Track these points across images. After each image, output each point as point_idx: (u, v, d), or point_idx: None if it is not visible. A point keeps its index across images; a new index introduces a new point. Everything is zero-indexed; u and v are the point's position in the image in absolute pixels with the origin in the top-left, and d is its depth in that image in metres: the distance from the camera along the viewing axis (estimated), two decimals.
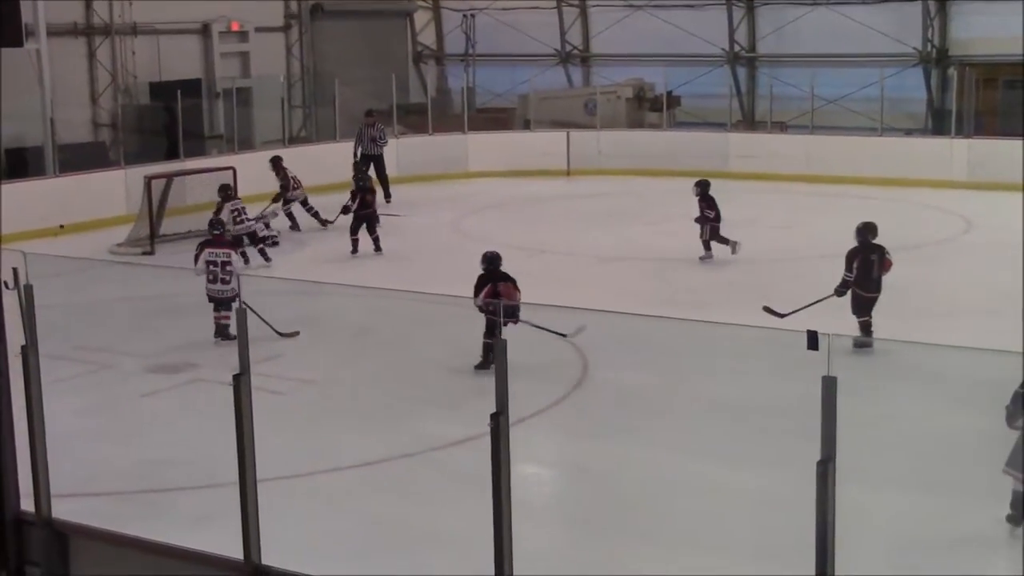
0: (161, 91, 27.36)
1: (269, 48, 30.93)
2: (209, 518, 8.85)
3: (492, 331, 12.04)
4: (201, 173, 21.66)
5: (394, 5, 34.31)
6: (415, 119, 29.26)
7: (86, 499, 8.96)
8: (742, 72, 31.68)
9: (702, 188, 18.25)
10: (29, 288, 7.37)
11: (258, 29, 30.45)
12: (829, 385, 5.37)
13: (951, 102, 27.09)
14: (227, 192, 18.83)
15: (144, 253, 19.73)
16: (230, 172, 21.07)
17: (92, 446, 10.62)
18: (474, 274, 14.00)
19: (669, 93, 29.50)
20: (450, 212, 22.91)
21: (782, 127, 28.42)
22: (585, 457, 10.53)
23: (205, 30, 29.34)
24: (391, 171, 24.92)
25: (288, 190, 21.25)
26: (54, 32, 25.01)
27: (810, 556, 5.71)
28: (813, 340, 5.41)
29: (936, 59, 29.22)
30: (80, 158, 24.04)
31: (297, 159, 23.60)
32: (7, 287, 7.39)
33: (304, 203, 21.40)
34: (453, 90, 34.19)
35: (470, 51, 33.38)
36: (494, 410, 6.25)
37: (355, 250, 18.95)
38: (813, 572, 5.69)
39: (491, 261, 12.87)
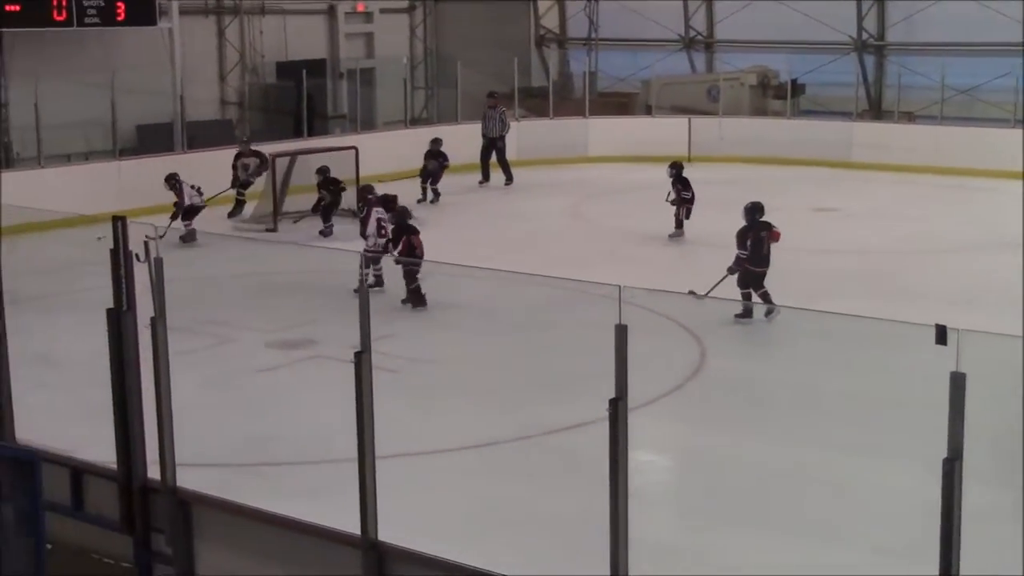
0: (287, 71, 27.73)
1: (393, 29, 31.14)
2: (324, 492, 8.95)
3: (412, 277, 14.45)
4: (324, 152, 21.94)
5: None
6: (536, 103, 29.24)
7: (207, 469, 9.12)
8: (869, 60, 31.03)
9: (676, 170, 18.94)
10: (159, 261, 7.50)
11: (383, 10, 30.69)
12: (958, 382, 5.24)
13: None
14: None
15: (267, 230, 20.03)
16: (352, 152, 21.32)
17: (213, 418, 10.80)
18: (591, 258, 14.02)
19: (794, 81, 29.06)
20: (569, 196, 22.88)
21: (910, 117, 27.81)
22: (701, 446, 10.45)
23: (331, 11, 29.66)
24: (511, 154, 24.97)
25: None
26: (186, 12, 25.52)
27: (927, 552, 5.61)
28: (942, 335, 5.30)
29: None
30: (207, 135, 24.52)
31: (419, 140, 23.78)
32: (138, 260, 7.54)
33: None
34: (575, 74, 34.03)
35: (593, 35, 33.22)
36: (613, 396, 6.23)
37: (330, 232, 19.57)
38: (933, 567, 5.58)
39: (402, 215, 15.36)
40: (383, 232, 15.57)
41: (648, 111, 29.48)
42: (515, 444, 10.40)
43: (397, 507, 7.68)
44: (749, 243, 14.07)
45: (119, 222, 7.73)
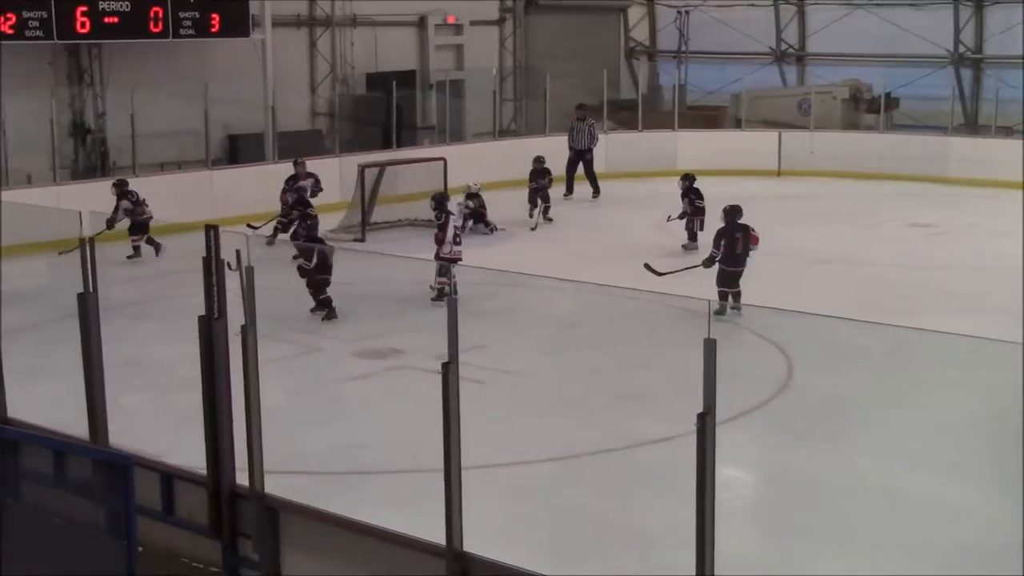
0: (377, 82, 27.94)
1: (483, 41, 31.24)
2: (409, 502, 8.97)
3: (321, 287, 14.92)
4: (413, 163, 22.06)
5: (608, 1, 34.28)
6: (625, 115, 29.18)
7: (294, 476, 9.19)
8: (966, 74, 30.56)
9: (688, 181, 19.33)
10: (250, 270, 7.56)
11: (473, 22, 30.79)
12: None
13: None
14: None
15: (355, 240, 20.17)
16: (441, 163, 21.41)
17: (300, 426, 10.90)
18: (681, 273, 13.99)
19: (887, 95, 28.68)
20: (657, 210, 22.73)
21: (1008, 132, 27.30)
22: (787, 463, 10.33)
23: (421, 23, 29.81)
24: (599, 167, 24.93)
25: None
26: (278, 23, 25.82)
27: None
28: None
29: None
30: (298, 145, 24.78)
31: (507, 152, 23.84)
32: (230, 268, 7.60)
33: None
34: (664, 87, 33.95)
35: (683, 48, 33.11)
36: (700, 410, 6.18)
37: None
38: None
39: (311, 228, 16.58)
40: (458, 240, 15.71)
41: (738, 124, 29.29)
42: (599, 457, 10.36)
43: (481, 518, 7.67)
44: (723, 243, 14.77)
45: (211, 231, 7.82)
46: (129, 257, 18.38)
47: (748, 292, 14.71)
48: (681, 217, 19.16)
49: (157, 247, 18.40)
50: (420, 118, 29.18)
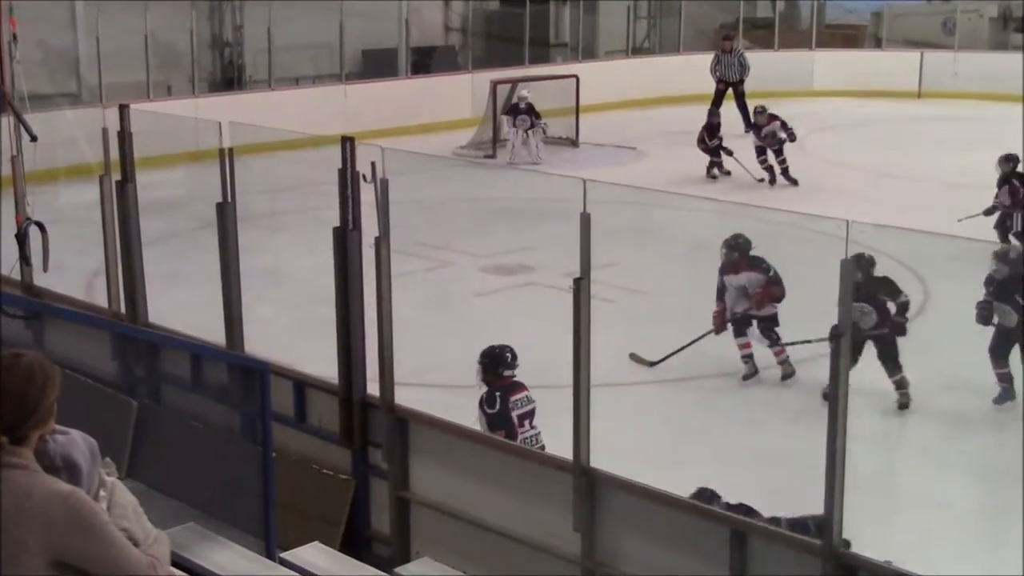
0: None
1: None
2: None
3: None
4: (544, 80, 21.95)
5: None
6: (761, 34, 28.66)
7: (424, 389, 9.32)
8: None
9: (1013, 164, 14.90)
10: (385, 182, 7.60)
11: None
12: None
13: None
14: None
15: (486, 156, 20.21)
16: (573, 80, 21.28)
17: (428, 339, 11.02)
18: (813, 194, 13.69)
19: None
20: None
21: None
22: (920, 388, 10.18)
23: None
24: None
25: None
26: None
27: None
28: None
29: None
30: (431, 61, 24.81)
31: (639, 70, 23.54)
32: (365, 180, 7.66)
33: None
34: (801, 4, 33.16)
35: None
36: (834, 332, 6.10)
37: None
38: None
39: None
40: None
41: (878, 44, 28.57)
42: (724, 378, 10.32)
43: (608, 434, 7.69)
44: None
45: (347, 143, 7.87)
46: None
47: (889, 219, 14.37)
48: (989, 213, 14.72)
49: None
50: (553, 35, 28.97)
